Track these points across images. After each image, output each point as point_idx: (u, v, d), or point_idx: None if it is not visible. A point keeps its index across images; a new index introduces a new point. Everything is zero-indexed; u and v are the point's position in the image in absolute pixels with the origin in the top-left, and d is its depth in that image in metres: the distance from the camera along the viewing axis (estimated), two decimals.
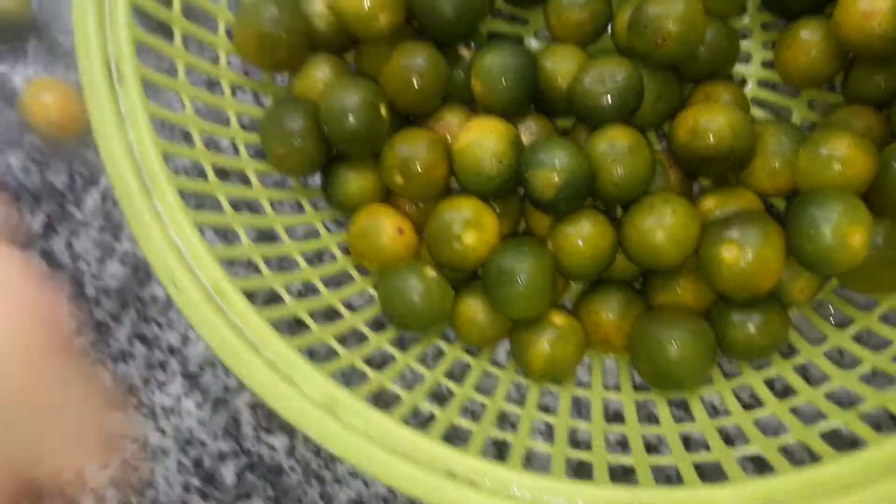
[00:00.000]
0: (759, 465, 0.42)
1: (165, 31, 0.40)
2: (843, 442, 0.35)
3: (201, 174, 0.41)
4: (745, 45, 0.48)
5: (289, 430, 0.49)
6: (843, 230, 0.36)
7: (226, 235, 0.47)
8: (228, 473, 0.50)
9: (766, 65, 0.48)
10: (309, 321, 0.38)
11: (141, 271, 0.52)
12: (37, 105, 0.51)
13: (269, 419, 0.50)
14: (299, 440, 0.49)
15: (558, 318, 0.42)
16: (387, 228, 0.44)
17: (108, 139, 0.35)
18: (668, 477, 0.43)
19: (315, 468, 0.49)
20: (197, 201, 0.41)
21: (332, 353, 0.39)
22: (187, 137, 0.41)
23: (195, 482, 0.50)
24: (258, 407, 0.50)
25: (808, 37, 0.44)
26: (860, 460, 0.29)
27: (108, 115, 0.35)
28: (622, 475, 0.37)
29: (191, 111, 0.40)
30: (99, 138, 0.35)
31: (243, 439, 0.50)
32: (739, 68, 0.48)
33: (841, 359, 0.41)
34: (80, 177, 0.53)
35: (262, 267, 0.39)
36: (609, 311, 0.42)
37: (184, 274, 0.34)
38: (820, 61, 0.44)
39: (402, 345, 0.44)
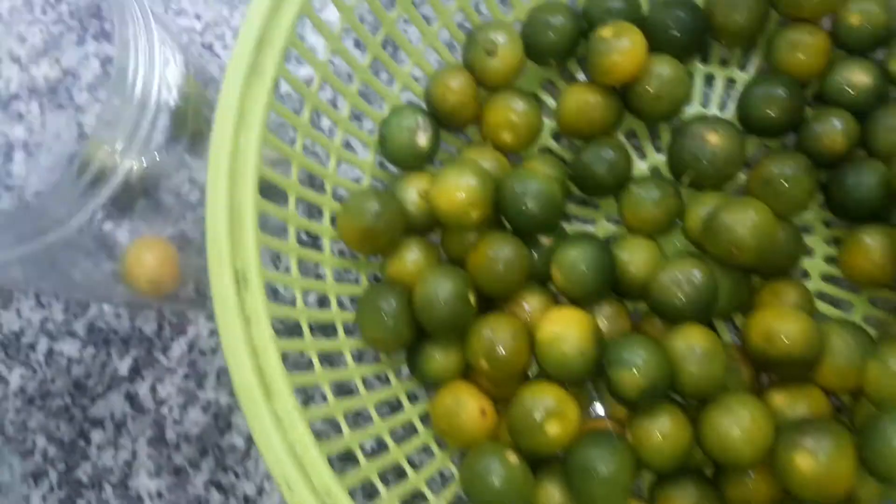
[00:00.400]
0: None
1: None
2: None
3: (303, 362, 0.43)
4: (807, 238, 0.50)
5: None
6: None
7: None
8: None
9: (829, 260, 0.50)
10: (380, 485, 0.40)
11: (221, 420, 0.54)
12: (136, 263, 0.54)
13: None
14: None
15: None
16: (470, 409, 0.46)
17: (234, 344, 0.37)
18: None
19: None
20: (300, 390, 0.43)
21: None
22: (295, 329, 0.44)
23: None
24: None
25: (871, 243, 0.47)
26: None
27: (235, 319, 0.37)
28: None
29: (301, 303, 0.43)
30: (225, 341, 0.37)
31: None
32: (805, 262, 0.50)
33: None
34: (168, 325, 0.56)
35: (359, 455, 0.41)
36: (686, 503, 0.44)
37: (298, 478, 0.36)
38: (882, 267, 0.46)
39: None
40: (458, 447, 0.46)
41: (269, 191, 0.41)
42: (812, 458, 0.40)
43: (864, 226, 0.47)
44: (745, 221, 0.44)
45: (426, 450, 0.48)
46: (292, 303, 0.44)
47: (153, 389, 0.56)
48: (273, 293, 0.51)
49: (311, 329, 0.44)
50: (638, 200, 0.49)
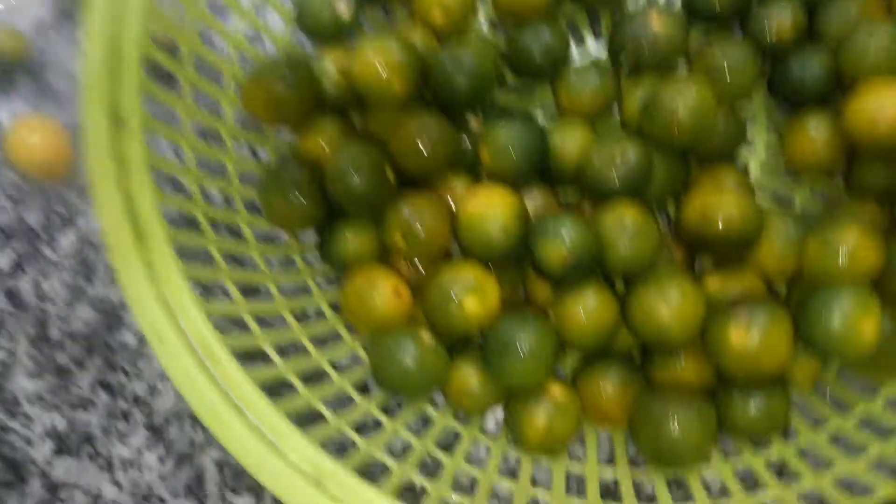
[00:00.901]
0: None
1: (166, 79, 0.40)
2: None
3: (190, 224, 0.39)
4: (750, 129, 0.48)
5: (256, 491, 0.47)
6: (854, 320, 0.36)
7: (212, 290, 0.45)
8: None
9: (770, 150, 0.48)
10: (297, 383, 0.37)
11: (111, 317, 0.50)
12: (21, 144, 0.50)
13: (236, 478, 0.47)
14: (267, 500, 0.47)
15: (557, 391, 0.41)
16: (383, 290, 0.42)
17: (104, 186, 0.33)
18: None
19: None
20: (185, 253, 0.39)
21: (318, 418, 0.37)
22: (178, 187, 0.40)
23: None
24: (225, 465, 0.48)
25: (815, 129, 0.44)
26: None
27: (108, 161, 0.34)
28: None
29: (192, 162, 0.39)
30: (96, 184, 0.34)
31: (206, 498, 0.47)
32: (743, 152, 0.48)
33: (844, 443, 0.40)
34: (57, 216, 0.52)
35: (253, 325, 0.38)
36: (609, 386, 0.41)
37: (171, 330, 0.32)
38: (825, 153, 0.44)
39: (388, 410, 0.42)
40: (369, 331, 0.43)
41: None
42: (745, 332, 0.38)
43: (808, 111, 0.45)
44: (684, 99, 0.42)
45: (336, 336, 0.44)
46: (182, 162, 0.40)
47: (36, 285, 0.51)
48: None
49: (209, 199, 0.40)
50: (575, 85, 0.46)
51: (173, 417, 0.49)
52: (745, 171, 0.47)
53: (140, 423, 0.49)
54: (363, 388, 0.42)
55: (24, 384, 0.50)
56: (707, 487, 0.41)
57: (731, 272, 0.42)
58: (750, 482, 0.40)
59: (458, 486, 0.37)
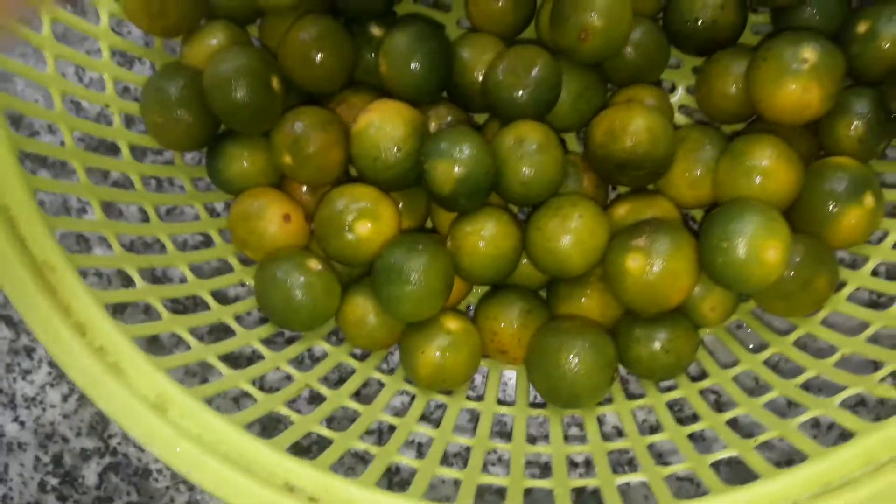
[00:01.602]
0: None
1: None
2: (737, 474, 0.32)
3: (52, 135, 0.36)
4: (675, 51, 0.44)
5: None
6: (758, 244, 0.34)
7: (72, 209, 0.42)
8: (90, 473, 0.45)
9: (697, 71, 0.45)
10: (160, 307, 0.34)
11: None
12: None
13: None
14: None
15: (452, 323, 0.38)
16: (272, 213, 0.39)
17: None
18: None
19: None
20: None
21: (180, 344, 0.34)
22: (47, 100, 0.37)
23: (53, 481, 0.46)
24: None
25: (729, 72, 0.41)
26: (742, 496, 0.26)
27: None
28: (495, 497, 0.33)
29: (52, 70, 0.36)
30: None
31: (109, 437, 0.45)
32: (670, 74, 0.45)
33: (751, 385, 0.38)
34: None
35: (115, 244, 0.35)
36: (508, 319, 0.39)
37: (7, 240, 0.29)
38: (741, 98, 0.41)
39: (276, 346, 0.39)
40: (259, 258, 0.40)
41: None
42: (644, 258, 0.35)
43: (720, 54, 0.41)
44: (593, 2, 0.38)
45: (225, 265, 0.41)
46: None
47: None
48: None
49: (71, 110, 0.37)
50: None
51: None
52: (668, 94, 0.44)
53: (44, 360, 0.46)
54: (254, 323, 0.39)
55: None
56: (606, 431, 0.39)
57: (641, 199, 0.40)
58: (652, 425, 0.38)
59: (330, 420, 0.35)
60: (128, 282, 0.34)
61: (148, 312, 0.37)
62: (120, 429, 0.45)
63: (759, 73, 0.37)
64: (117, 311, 0.31)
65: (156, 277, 0.41)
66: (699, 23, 0.41)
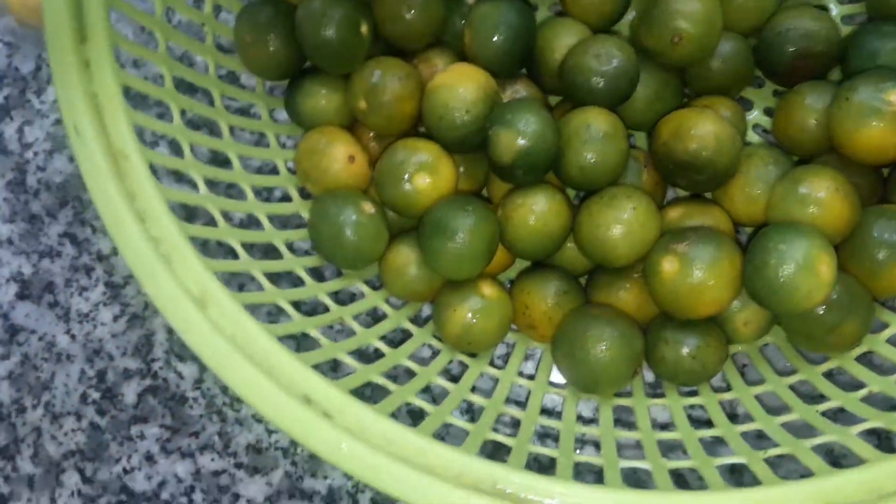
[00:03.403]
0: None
1: None
2: (743, 480, 0.32)
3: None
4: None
5: (201, 361, 0.47)
6: (806, 265, 0.33)
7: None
8: (130, 392, 0.47)
9: (778, 95, 0.45)
10: (217, 216, 0.36)
11: None
12: None
13: (182, 346, 0.47)
14: (209, 373, 0.46)
15: (488, 289, 0.39)
16: (338, 152, 0.41)
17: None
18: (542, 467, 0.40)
19: (219, 405, 0.46)
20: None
21: (230, 254, 0.36)
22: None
23: (94, 394, 0.48)
24: (175, 332, 0.47)
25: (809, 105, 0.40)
26: (739, 497, 0.26)
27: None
28: (499, 454, 0.34)
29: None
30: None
31: (152, 361, 0.47)
32: (749, 92, 0.45)
33: (774, 405, 0.38)
34: (47, 67, 0.51)
35: (186, 150, 0.36)
36: (542, 296, 0.39)
37: (91, 125, 0.31)
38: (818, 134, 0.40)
39: (320, 277, 0.41)
40: (318, 193, 0.42)
41: None
42: (679, 264, 0.35)
43: (805, 85, 0.41)
44: (687, 7, 0.38)
45: (285, 196, 0.43)
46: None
47: (20, 131, 0.51)
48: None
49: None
50: None
51: (132, 278, 0.48)
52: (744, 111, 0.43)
53: (100, 280, 0.49)
54: (301, 252, 0.41)
55: None
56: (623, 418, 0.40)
57: (698, 205, 0.40)
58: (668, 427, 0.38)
59: (361, 355, 0.36)
60: (192, 186, 0.36)
61: (205, 220, 0.38)
62: (162, 354, 0.47)
63: (840, 111, 0.37)
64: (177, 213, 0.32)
65: (217, 190, 0.43)
66: (792, 50, 0.40)
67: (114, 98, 0.32)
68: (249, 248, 0.37)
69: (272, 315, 0.44)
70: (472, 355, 0.41)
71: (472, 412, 0.42)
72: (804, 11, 0.41)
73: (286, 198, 0.43)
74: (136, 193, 0.31)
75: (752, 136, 0.44)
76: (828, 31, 0.40)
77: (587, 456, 0.33)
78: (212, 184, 0.37)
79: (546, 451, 0.33)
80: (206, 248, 0.43)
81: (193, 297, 0.30)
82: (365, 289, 0.42)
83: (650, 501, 0.26)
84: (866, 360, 0.37)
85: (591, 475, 0.38)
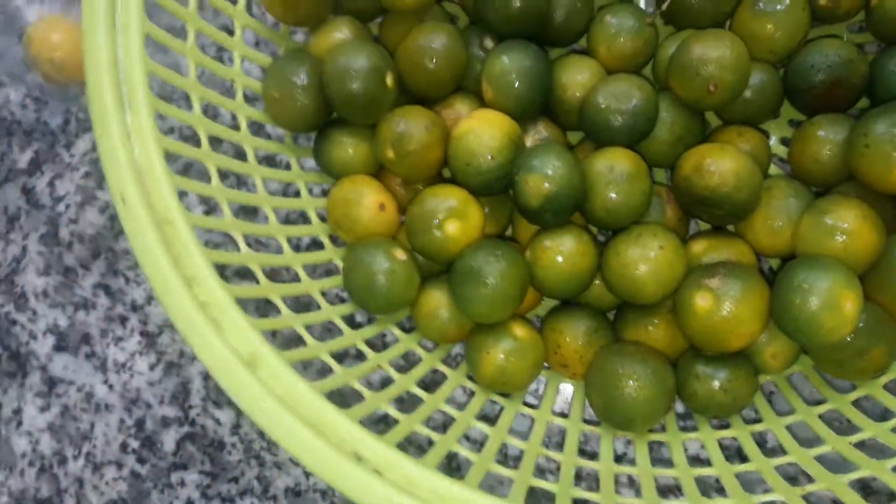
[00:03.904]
0: None
1: None
2: None
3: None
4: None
5: (237, 407, 0.48)
6: (833, 299, 0.34)
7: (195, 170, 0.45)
8: (169, 440, 0.48)
9: (794, 125, 0.45)
10: (258, 272, 0.37)
11: (118, 222, 0.51)
12: (43, 42, 0.50)
13: (219, 392, 0.48)
14: (246, 418, 0.47)
15: (520, 330, 0.40)
16: (369, 201, 0.42)
17: (95, 45, 0.33)
18: None
19: (257, 449, 0.47)
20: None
21: (274, 312, 0.37)
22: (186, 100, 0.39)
23: (134, 443, 0.49)
24: (211, 378, 0.48)
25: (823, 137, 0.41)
26: None
27: (100, 24, 0.33)
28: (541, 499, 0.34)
29: (193, 42, 0.39)
30: (86, 42, 0.33)
31: (190, 408, 0.49)
32: (767, 123, 0.45)
33: (805, 436, 0.38)
34: (75, 120, 0.52)
35: (225, 208, 0.38)
36: (574, 335, 0.40)
37: (136, 194, 0.32)
38: (832, 166, 0.41)
39: (354, 324, 0.42)
40: (350, 241, 0.43)
41: None
42: (712, 297, 0.36)
43: (821, 117, 0.41)
44: (721, 56, 0.38)
45: (316, 243, 0.44)
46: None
47: (51, 185, 0.52)
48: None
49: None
50: (615, 31, 0.43)
51: (167, 327, 0.49)
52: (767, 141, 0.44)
53: (136, 330, 0.50)
54: (335, 300, 0.42)
55: (32, 280, 0.51)
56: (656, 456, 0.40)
57: (721, 238, 0.41)
58: (702, 460, 0.39)
59: (398, 401, 0.37)
60: (234, 246, 0.37)
61: (247, 278, 0.39)
62: (199, 401, 0.48)
63: (863, 158, 0.37)
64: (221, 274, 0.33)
65: (256, 247, 0.44)
66: (820, 79, 0.41)
67: (156, 165, 0.33)
68: (288, 301, 0.38)
69: (310, 366, 0.45)
70: (506, 396, 0.41)
71: (511, 457, 0.43)
72: (833, 42, 0.42)
73: (318, 246, 0.44)
74: (182, 259, 0.32)
75: (770, 167, 0.45)
76: (858, 61, 0.41)
77: (629, 499, 0.34)
78: (251, 239, 0.38)
79: (587, 494, 0.34)
80: (244, 304, 0.44)
81: (244, 359, 0.31)
82: (398, 332, 0.43)
83: None
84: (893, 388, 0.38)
85: None
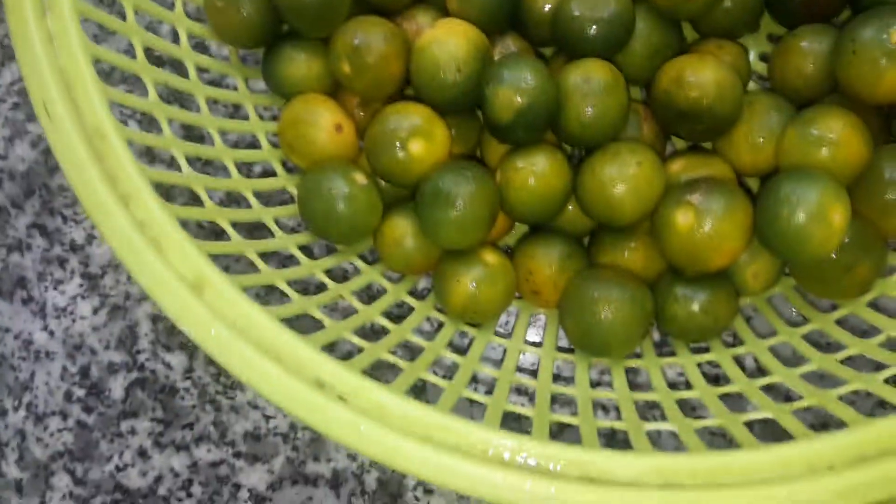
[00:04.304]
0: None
1: None
2: (772, 434, 0.31)
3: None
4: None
5: (189, 349, 0.45)
6: (821, 210, 0.32)
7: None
8: (117, 387, 0.45)
9: (773, 40, 0.43)
10: (204, 196, 0.33)
11: (52, 157, 0.46)
12: None
13: (169, 335, 0.45)
14: (199, 361, 0.45)
15: (490, 256, 0.38)
16: (324, 121, 0.39)
17: None
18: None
19: (212, 393, 0.44)
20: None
21: (214, 236, 0.34)
22: None
23: (79, 392, 0.45)
24: (160, 320, 0.45)
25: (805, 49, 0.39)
26: (777, 453, 0.25)
27: None
28: (516, 423, 0.32)
29: None
30: None
31: (138, 353, 0.45)
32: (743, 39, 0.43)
33: (787, 356, 0.37)
34: (2, 48, 0.48)
35: (165, 127, 0.34)
36: (546, 260, 0.38)
37: (63, 103, 0.29)
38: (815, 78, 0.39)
39: (312, 255, 0.39)
40: (305, 165, 0.40)
41: None
42: (694, 215, 0.34)
43: (803, 28, 0.39)
44: None
45: (267, 172, 0.41)
46: None
47: None
48: None
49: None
50: None
51: (110, 268, 0.46)
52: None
53: (76, 271, 0.46)
54: (291, 230, 0.39)
55: None
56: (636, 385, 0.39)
57: (699, 157, 0.39)
58: (682, 385, 0.38)
59: (365, 334, 0.35)
60: (169, 166, 0.34)
61: (184, 201, 0.36)
62: (148, 345, 0.45)
63: (850, 67, 0.35)
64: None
65: (203, 170, 0.40)
66: None
67: (84, 73, 0.30)
68: (237, 227, 0.35)
69: (264, 298, 0.42)
70: (476, 326, 0.39)
71: (484, 384, 0.41)
72: None
73: (269, 173, 0.41)
74: (118, 175, 0.29)
75: (750, 84, 0.43)
76: None
77: (609, 421, 0.32)
78: (190, 162, 0.35)
79: (565, 418, 0.32)
80: (189, 231, 0.41)
81: (188, 282, 0.28)
82: (360, 264, 0.40)
83: (692, 464, 0.25)
84: (876, 306, 0.36)
85: (617, 444, 0.37)
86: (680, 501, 0.25)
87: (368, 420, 0.26)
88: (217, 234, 0.35)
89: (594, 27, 0.38)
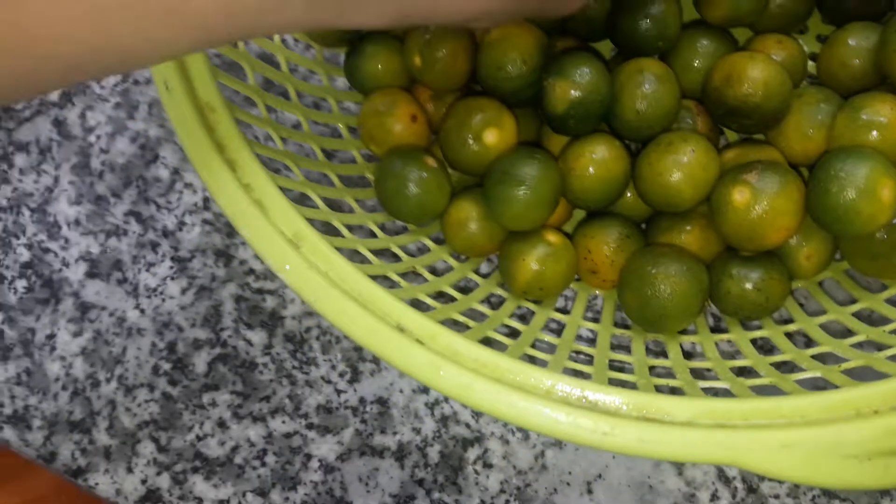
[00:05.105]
0: None
1: None
2: None
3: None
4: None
5: (269, 328, 0.48)
6: (871, 184, 0.34)
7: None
8: (200, 362, 0.49)
9: (821, 39, 0.46)
10: (296, 170, 0.37)
11: (148, 151, 0.52)
12: None
13: (250, 314, 0.49)
14: (278, 338, 0.48)
15: (552, 237, 0.41)
16: (401, 112, 0.42)
17: None
18: None
19: (288, 368, 0.48)
20: None
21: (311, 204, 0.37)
22: None
23: (166, 366, 0.49)
24: (242, 300, 0.49)
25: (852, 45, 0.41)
26: (824, 398, 0.27)
27: None
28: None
29: None
30: None
31: (221, 330, 0.49)
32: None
33: (837, 330, 0.39)
34: None
35: (261, 108, 0.38)
36: (605, 240, 0.41)
37: (179, 81, 0.33)
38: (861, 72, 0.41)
39: (388, 231, 0.42)
40: (381, 153, 0.43)
41: None
42: (750, 193, 0.36)
43: (850, 25, 0.42)
44: None
45: (350, 159, 0.45)
46: None
47: (82, 116, 0.53)
48: None
49: None
50: None
51: (198, 252, 0.50)
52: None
53: (167, 255, 0.50)
54: (372, 209, 0.42)
55: (65, 209, 0.52)
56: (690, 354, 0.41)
57: (752, 147, 0.41)
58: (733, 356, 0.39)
59: (436, 296, 0.37)
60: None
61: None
62: (231, 323, 0.48)
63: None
64: None
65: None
66: None
67: (198, 57, 0.34)
68: (327, 202, 0.38)
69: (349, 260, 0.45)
70: (538, 302, 0.42)
71: (546, 348, 0.43)
72: None
73: (349, 160, 0.44)
74: (226, 144, 0.32)
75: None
76: None
77: (664, 380, 0.34)
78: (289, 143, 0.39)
79: (623, 376, 0.34)
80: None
81: (287, 238, 0.31)
82: (430, 244, 0.43)
83: (743, 407, 0.27)
84: None
85: None
86: (732, 439, 0.27)
87: (444, 359, 0.29)
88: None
89: (644, 23, 0.41)
